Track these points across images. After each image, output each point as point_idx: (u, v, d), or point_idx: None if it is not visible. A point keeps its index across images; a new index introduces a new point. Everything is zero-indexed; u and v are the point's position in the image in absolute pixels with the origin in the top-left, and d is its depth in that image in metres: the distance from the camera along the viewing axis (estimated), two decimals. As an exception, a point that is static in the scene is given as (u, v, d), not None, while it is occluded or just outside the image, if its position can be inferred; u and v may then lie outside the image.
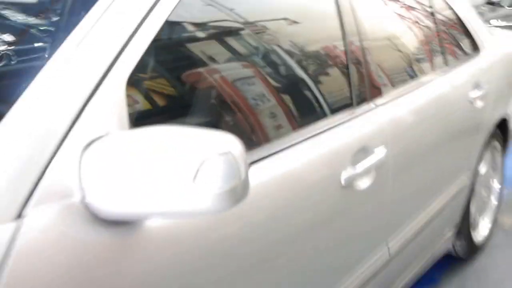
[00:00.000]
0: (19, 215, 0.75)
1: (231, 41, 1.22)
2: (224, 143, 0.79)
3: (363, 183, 1.40)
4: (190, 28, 1.17)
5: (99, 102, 0.87)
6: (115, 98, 0.89)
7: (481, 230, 2.58)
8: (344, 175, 1.32)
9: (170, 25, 1.04)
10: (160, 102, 1.07)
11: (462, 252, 2.44)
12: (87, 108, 0.85)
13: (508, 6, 6.91)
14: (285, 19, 1.39)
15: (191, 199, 0.77)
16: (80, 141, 0.83)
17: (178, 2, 1.04)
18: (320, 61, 1.49)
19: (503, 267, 2.51)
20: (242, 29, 1.26)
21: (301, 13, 1.46)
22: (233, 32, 1.24)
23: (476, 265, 2.53)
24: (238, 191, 0.80)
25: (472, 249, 2.51)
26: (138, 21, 0.96)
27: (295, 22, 1.43)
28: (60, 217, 0.78)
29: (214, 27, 1.20)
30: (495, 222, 2.73)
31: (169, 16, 1.01)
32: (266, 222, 1.11)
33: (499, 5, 7.08)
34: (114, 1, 0.94)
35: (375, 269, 1.57)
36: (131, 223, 0.85)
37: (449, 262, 2.46)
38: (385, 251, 1.63)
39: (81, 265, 0.79)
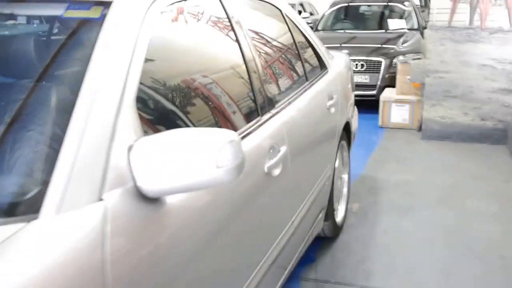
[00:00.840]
0: (101, 199, 1.05)
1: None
2: (228, 135, 1.17)
3: (276, 172, 1.84)
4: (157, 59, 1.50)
5: (123, 117, 1.18)
6: (130, 114, 1.21)
7: (339, 213, 3.19)
8: (266, 165, 1.75)
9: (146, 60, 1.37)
10: (156, 113, 1.40)
11: (329, 232, 3.00)
12: (118, 121, 1.16)
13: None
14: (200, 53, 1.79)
15: (216, 176, 1.13)
16: (122, 145, 1.14)
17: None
18: (231, 84, 1.90)
19: (359, 240, 3.14)
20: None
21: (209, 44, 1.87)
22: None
23: (340, 241, 3.12)
24: (241, 166, 1.18)
25: (336, 229, 3.10)
26: (130, 58, 1.28)
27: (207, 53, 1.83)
28: (123, 198, 1.09)
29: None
30: (347, 207, 3.37)
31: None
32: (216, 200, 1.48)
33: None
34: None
35: (285, 242, 2.01)
36: (161, 200, 1.18)
37: (319, 242, 3.01)
38: (292, 228, 2.08)
39: (138, 228, 1.11)
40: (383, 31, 7.41)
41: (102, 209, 1.03)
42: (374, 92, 6.19)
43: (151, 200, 1.16)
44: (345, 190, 3.32)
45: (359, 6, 8.18)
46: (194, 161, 1.12)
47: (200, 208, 1.36)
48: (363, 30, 7.53)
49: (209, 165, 1.12)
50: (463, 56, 5.00)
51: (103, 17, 1.32)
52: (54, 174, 1.01)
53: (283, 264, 2.08)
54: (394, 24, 7.02)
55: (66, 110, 1.10)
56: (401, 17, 7.65)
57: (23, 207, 1.00)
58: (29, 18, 1.63)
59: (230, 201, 1.53)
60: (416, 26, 7.40)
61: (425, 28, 7.39)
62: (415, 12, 7.63)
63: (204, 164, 1.12)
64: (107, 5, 1.35)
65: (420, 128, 5.49)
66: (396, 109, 5.66)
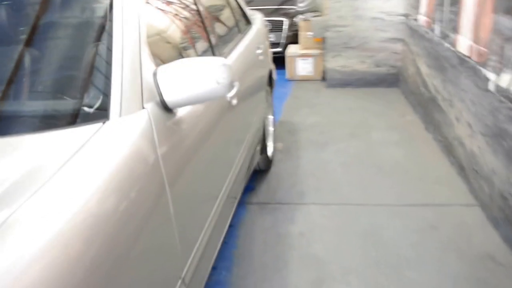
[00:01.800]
0: (143, 107, 1.41)
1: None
2: (222, 60, 1.56)
3: (234, 102, 2.24)
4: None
5: (143, 53, 1.53)
6: (146, 51, 1.56)
7: (269, 149, 3.65)
8: (228, 96, 2.15)
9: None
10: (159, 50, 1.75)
11: (263, 165, 3.46)
12: (141, 55, 1.51)
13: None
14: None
15: (217, 90, 1.52)
16: (148, 71, 1.49)
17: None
18: (198, 34, 2.26)
19: (288, 171, 3.63)
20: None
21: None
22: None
23: (272, 173, 3.60)
24: (232, 83, 1.58)
25: (268, 162, 3.57)
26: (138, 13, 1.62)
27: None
28: (155, 108, 1.45)
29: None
30: (274, 144, 3.85)
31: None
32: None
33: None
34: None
35: (238, 172, 2.42)
36: (175, 111, 1.55)
37: (256, 175, 3.47)
38: (241, 158, 2.50)
39: (166, 128, 1.48)
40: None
41: (146, 114, 1.39)
42: (279, 49, 6.69)
43: (170, 110, 1.53)
44: (271, 129, 3.78)
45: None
46: (201, 79, 1.50)
47: (195, 120, 1.74)
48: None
49: (211, 82, 1.51)
50: (357, 11, 5.59)
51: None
52: (112, 92, 1.36)
53: (235, 194, 2.48)
54: (291, -15, 7.52)
55: (109, 49, 1.44)
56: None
57: (97, 114, 1.33)
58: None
59: (209, 120, 1.92)
60: (311, -13, 7.97)
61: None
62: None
63: (207, 81, 1.51)
64: None
65: (323, 78, 6.09)
66: (301, 62, 6.21)
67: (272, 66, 3.75)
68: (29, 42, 1.54)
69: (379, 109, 5.01)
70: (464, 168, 3.31)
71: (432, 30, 4.25)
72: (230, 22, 2.93)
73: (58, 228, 0.97)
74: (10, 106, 1.41)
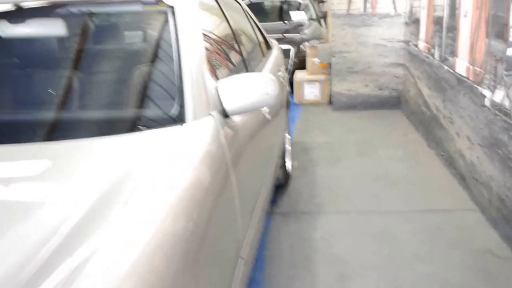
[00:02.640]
0: (210, 114, 1.78)
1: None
2: (269, 75, 1.94)
3: (268, 116, 2.62)
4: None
5: (205, 69, 1.91)
6: (207, 67, 1.94)
7: (288, 165, 4.02)
8: (264, 110, 2.53)
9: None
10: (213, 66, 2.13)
11: (283, 179, 3.83)
12: (204, 72, 1.89)
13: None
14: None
15: (267, 99, 1.89)
16: (211, 85, 1.87)
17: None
18: (237, 55, 2.66)
19: (305, 185, 3.99)
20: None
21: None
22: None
23: (291, 187, 3.96)
24: (278, 95, 1.96)
25: (287, 177, 3.93)
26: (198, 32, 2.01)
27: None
28: (218, 115, 1.82)
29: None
30: (291, 161, 4.22)
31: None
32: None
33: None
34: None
35: (273, 172, 2.78)
36: (232, 118, 1.92)
37: (277, 189, 3.83)
38: (270, 170, 2.86)
39: (226, 131, 1.85)
40: (283, 22, 8.37)
41: (213, 119, 1.77)
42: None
43: (229, 117, 1.90)
44: (288, 147, 4.16)
45: (262, 1, 9.10)
46: (254, 91, 1.88)
47: (244, 127, 2.11)
48: (266, 22, 8.43)
49: (263, 93, 1.89)
50: (361, 37, 6.03)
51: (170, 8, 2.02)
52: (186, 101, 1.73)
53: (265, 207, 2.80)
54: (295, 15, 7.98)
55: (180, 67, 1.82)
56: (298, 9, 8.66)
57: (176, 118, 1.70)
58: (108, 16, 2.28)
59: (253, 128, 2.29)
60: (314, 16, 8.46)
61: (322, 17, 8.46)
62: (311, 4, 8.69)
63: (259, 92, 1.88)
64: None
65: (330, 102, 6.50)
66: (308, 87, 6.62)
67: (288, 88, 4.14)
68: (128, 63, 1.95)
69: (383, 129, 5.40)
70: (465, 178, 3.68)
71: (432, 54, 4.67)
72: (257, 46, 3.34)
73: (154, 225, 1.21)
74: (115, 113, 1.83)
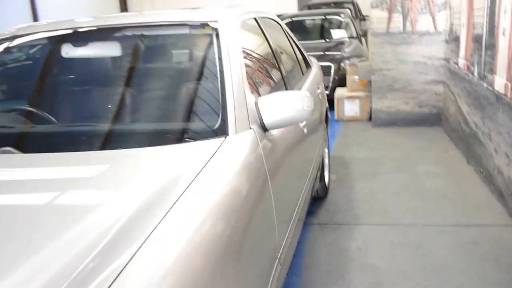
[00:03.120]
0: (250, 128, 1.94)
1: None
2: (305, 93, 2.09)
3: (305, 130, 2.76)
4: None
5: (245, 86, 2.07)
6: (247, 85, 2.11)
7: (326, 178, 4.14)
8: (301, 124, 2.67)
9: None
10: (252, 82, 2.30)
11: (321, 192, 3.95)
12: (245, 89, 2.06)
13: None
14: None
15: (303, 115, 2.04)
16: (251, 101, 2.03)
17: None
18: (278, 71, 2.83)
19: (343, 198, 4.10)
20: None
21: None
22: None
23: (329, 199, 4.07)
24: (312, 110, 2.10)
25: (325, 190, 4.05)
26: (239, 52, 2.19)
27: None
28: (258, 128, 1.98)
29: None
30: (329, 175, 4.34)
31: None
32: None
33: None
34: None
35: (305, 195, 2.90)
36: (271, 131, 2.07)
37: (314, 202, 3.95)
38: (308, 182, 3.00)
39: (266, 143, 2.00)
40: (324, 40, 8.52)
41: (253, 132, 1.92)
42: (328, 92, 7.24)
43: (268, 131, 2.05)
44: (326, 161, 4.28)
45: (304, 20, 9.29)
46: (291, 107, 2.03)
47: (281, 140, 2.25)
48: (308, 40, 8.61)
49: (300, 109, 2.04)
50: (401, 55, 6.12)
51: (214, 30, 2.21)
52: (228, 116, 1.90)
53: (301, 217, 2.94)
54: (336, 34, 8.14)
55: (223, 84, 1.99)
56: (339, 28, 8.80)
57: (219, 131, 1.87)
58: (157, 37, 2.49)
59: (290, 141, 2.44)
60: (354, 35, 8.58)
61: (363, 35, 8.58)
62: (352, 23, 8.82)
63: (296, 108, 2.03)
64: (215, 23, 2.25)
65: (369, 118, 6.58)
66: (348, 104, 6.73)
67: (327, 104, 4.28)
68: (176, 81, 2.15)
69: (422, 146, 5.45)
70: (503, 194, 3.72)
71: (472, 72, 4.72)
72: (296, 65, 3.50)
73: (201, 218, 1.37)
74: (164, 125, 2.02)
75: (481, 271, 2.88)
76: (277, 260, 1.97)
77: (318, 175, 3.68)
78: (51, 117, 2.20)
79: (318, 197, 4.00)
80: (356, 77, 6.67)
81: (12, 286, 1.03)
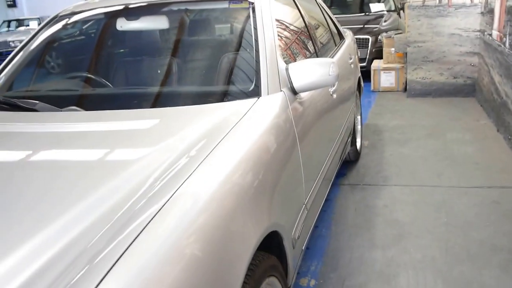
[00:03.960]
0: (281, 90, 2.17)
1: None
2: (331, 59, 2.29)
3: (334, 95, 2.96)
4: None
5: (277, 53, 2.30)
6: (279, 52, 2.33)
7: (358, 143, 4.33)
8: (330, 89, 2.88)
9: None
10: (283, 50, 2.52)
11: (353, 156, 4.15)
12: (277, 56, 2.28)
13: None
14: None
15: (328, 80, 2.25)
16: (282, 67, 2.25)
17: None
18: (311, 40, 3.02)
19: (374, 161, 4.29)
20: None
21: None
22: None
23: (360, 163, 4.27)
24: (338, 75, 2.31)
25: (356, 154, 4.25)
26: (272, 23, 2.40)
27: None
28: (287, 91, 2.20)
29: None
30: (361, 141, 4.52)
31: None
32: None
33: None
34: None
35: (333, 156, 3.11)
36: (300, 94, 2.30)
37: (346, 164, 4.16)
38: (336, 144, 3.20)
39: (295, 105, 2.22)
40: (363, 14, 8.58)
41: (283, 94, 2.15)
42: (364, 64, 7.36)
43: (297, 94, 2.28)
44: (359, 127, 4.46)
45: (343, -6, 9.35)
46: (318, 72, 2.24)
47: (310, 103, 2.47)
48: (348, 14, 8.68)
49: (325, 74, 2.24)
50: (436, 28, 6.17)
51: (251, 4, 2.43)
52: (261, 79, 2.13)
53: (329, 176, 3.15)
54: (375, 7, 8.18)
55: (257, 51, 2.22)
56: (378, 1, 8.83)
57: (253, 92, 2.10)
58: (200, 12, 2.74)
59: (318, 105, 2.65)
60: (393, 8, 8.61)
61: (401, 9, 8.59)
62: (391, -4, 8.84)
63: (323, 73, 2.24)
64: None
65: (405, 89, 6.68)
66: (384, 75, 6.84)
67: (359, 74, 4.45)
68: (216, 50, 2.40)
69: (455, 115, 5.55)
70: (527, 159, 3.83)
71: (504, 43, 4.78)
72: (329, 36, 3.68)
73: (232, 165, 1.57)
74: (206, 88, 2.28)
75: (502, 228, 3.05)
76: (304, 205, 2.21)
77: (349, 140, 3.88)
78: (107, 82, 2.49)
79: (350, 161, 4.20)
80: (393, 49, 6.76)
81: (72, 218, 1.24)
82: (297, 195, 2.13)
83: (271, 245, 1.78)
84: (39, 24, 17.39)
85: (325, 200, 2.96)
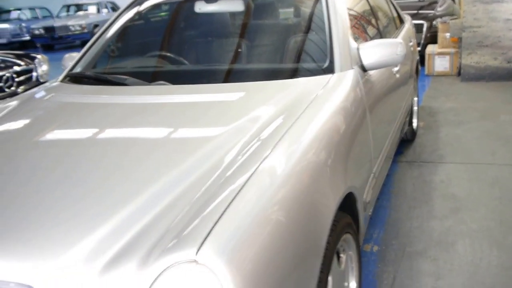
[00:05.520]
0: (352, 67, 2.32)
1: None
2: (399, 40, 2.43)
3: (397, 75, 3.08)
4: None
5: (350, 35, 2.45)
6: (350, 33, 2.48)
7: (414, 123, 4.43)
8: (394, 69, 3.01)
9: None
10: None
11: (409, 135, 4.26)
12: (349, 37, 2.43)
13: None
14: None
15: (396, 58, 2.38)
16: (354, 46, 2.40)
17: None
18: (375, 24, 3.16)
19: (429, 141, 4.39)
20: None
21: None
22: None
23: (416, 142, 4.38)
24: (404, 54, 2.43)
25: (413, 134, 4.36)
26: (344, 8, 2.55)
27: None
28: (357, 69, 2.35)
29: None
30: (417, 122, 4.62)
31: None
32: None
33: None
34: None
35: (394, 134, 3.23)
36: (369, 72, 2.44)
37: (403, 143, 4.27)
38: (397, 123, 3.32)
39: (364, 81, 2.37)
40: (417, 0, 8.52)
41: (355, 71, 2.30)
42: (419, 48, 7.35)
43: (366, 71, 2.42)
44: (415, 108, 4.55)
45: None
46: (386, 51, 2.37)
47: (377, 81, 2.61)
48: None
49: (394, 53, 2.38)
50: (492, 13, 6.12)
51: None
52: (335, 57, 2.29)
53: (390, 154, 3.25)
54: (430, -8, 8.12)
55: (331, 33, 2.38)
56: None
57: (327, 69, 2.27)
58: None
59: (384, 82, 2.79)
60: (448, -7, 8.50)
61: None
62: (446, -18, 8.72)
63: (391, 53, 2.38)
64: None
65: (458, 74, 6.67)
66: (438, 60, 6.84)
67: (418, 57, 4.53)
68: (293, 30, 2.60)
69: (508, 98, 5.54)
70: None
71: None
72: (391, 19, 3.79)
73: (313, 133, 1.76)
74: (284, 65, 2.47)
75: (552, 202, 3.12)
76: (373, 174, 2.38)
77: (407, 119, 3.99)
78: (186, 61, 2.70)
79: (407, 140, 4.31)
80: (448, 34, 6.74)
81: (171, 181, 1.43)
82: (367, 164, 2.29)
83: (345, 208, 1.96)
84: (97, 9, 17.74)
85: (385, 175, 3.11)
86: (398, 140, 3.53)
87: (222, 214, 1.24)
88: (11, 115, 2.22)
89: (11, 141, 1.92)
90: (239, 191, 1.34)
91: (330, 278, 1.62)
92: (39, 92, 2.50)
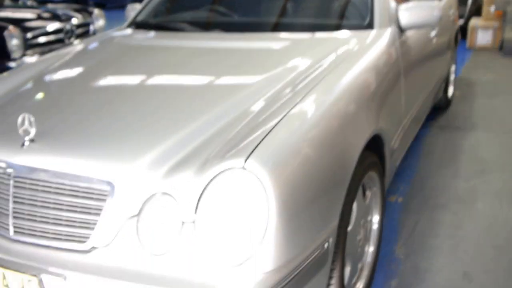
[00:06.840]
0: (390, 26, 2.46)
1: None
2: (436, 3, 2.54)
3: (434, 40, 3.18)
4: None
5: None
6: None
7: (449, 92, 4.50)
8: (432, 33, 3.10)
9: None
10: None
11: (443, 103, 4.33)
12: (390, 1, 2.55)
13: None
14: None
15: (432, 19, 2.49)
16: (393, 10, 2.53)
17: None
18: None
19: (463, 110, 4.45)
20: None
21: None
22: None
23: (450, 111, 4.45)
24: (440, 17, 2.54)
25: (447, 102, 4.43)
26: None
27: None
28: (394, 27, 2.46)
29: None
30: (453, 91, 4.68)
31: None
32: None
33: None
34: None
35: (427, 97, 3.33)
36: (406, 32, 2.56)
37: (436, 112, 4.36)
38: (431, 86, 3.42)
39: (403, 39, 2.50)
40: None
41: (392, 29, 2.42)
42: (462, 20, 7.29)
43: (404, 31, 2.55)
44: (452, 76, 4.61)
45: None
46: (424, 13, 2.49)
47: (413, 41, 2.72)
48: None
49: (430, 15, 2.49)
50: (539, -12, 6.04)
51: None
52: (375, 16, 2.42)
53: (422, 114, 3.31)
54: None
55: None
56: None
57: (368, 25, 2.40)
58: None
59: (420, 43, 2.89)
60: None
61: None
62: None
63: (428, 14, 2.49)
64: None
65: (500, 48, 6.61)
66: (481, 33, 6.78)
67: (457, 27, 4.56)
68: None
69: (549, 73, 5.50)
70: None
71: None
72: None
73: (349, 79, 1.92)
74: (329, 19, 2.59)
75: None
76: (402, 126, 2.53)
77: (443, 86, 4.08)
78: (238, 14, 2.86)
79: (440, 108, 4.40)
80: (493, 7, 6.66)
81: (214, 116, 1.64)
82: (398, 115, 2.43)
83: (374, 150, 2.13)
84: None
85: (415, 138, 3.24)
86: (430, 104, 3.63)
87: (265, 137, 1.47)
88: (86, 53, 2.55)
89: (94, 70, 2.23)
90: (280, 120, 1.57)
91: (354, 206, 1.82)
92: (108, 35, 2.79)
